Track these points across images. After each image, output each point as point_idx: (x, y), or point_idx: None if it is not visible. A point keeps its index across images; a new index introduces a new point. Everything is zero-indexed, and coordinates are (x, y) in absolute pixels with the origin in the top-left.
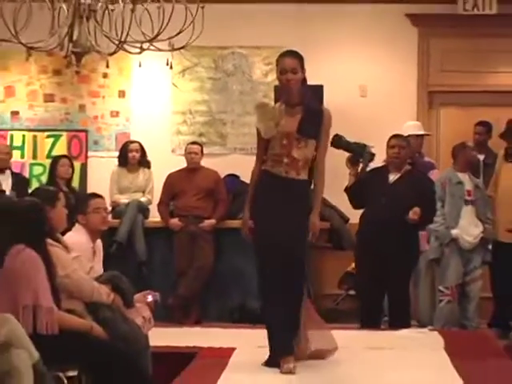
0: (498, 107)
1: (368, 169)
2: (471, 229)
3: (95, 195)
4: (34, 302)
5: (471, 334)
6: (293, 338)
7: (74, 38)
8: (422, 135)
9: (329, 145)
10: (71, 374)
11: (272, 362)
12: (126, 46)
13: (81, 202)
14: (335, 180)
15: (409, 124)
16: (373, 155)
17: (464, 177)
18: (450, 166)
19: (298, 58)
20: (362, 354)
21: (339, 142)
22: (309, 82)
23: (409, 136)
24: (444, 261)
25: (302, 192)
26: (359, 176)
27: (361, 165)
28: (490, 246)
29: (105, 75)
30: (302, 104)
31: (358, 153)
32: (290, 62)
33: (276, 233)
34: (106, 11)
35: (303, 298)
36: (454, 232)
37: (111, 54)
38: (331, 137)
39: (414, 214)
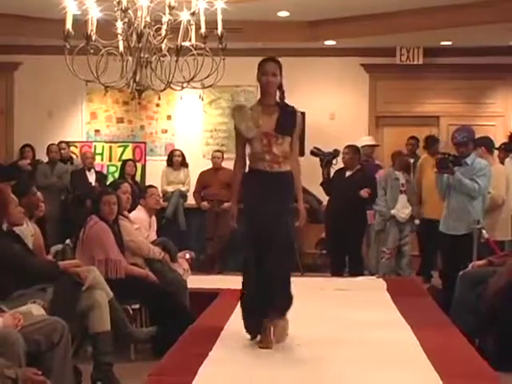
0: (424, 127)
1: (335, 169)
2: (404, 209)
3: (151, 186)
4: (105, 257)
5: (405, 279)
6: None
7: (137, 79)
8: (372, 145)
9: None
10: (134, 307)
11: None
12: (171, 85)
13: (141, 191)
14: (313, 176)
15: (364, 138)
16: (330, 161)
17: (400, 174)
18: (390, 167)
19: (278, 64)
20: (332, 294)
21: (316, 153)
22: None
23: (364, 146)
24: (386, 231)
25: (287, 181)
26: (325, 174)
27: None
28: (416, 221)
29: (157, 105)
30: (277, 105)
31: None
32: (272, 66)
33: (266, 221)
34: (159, 62)
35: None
36: (393, 211)
37: (162, 91)
38: (310, 149)
39: (364, 192)
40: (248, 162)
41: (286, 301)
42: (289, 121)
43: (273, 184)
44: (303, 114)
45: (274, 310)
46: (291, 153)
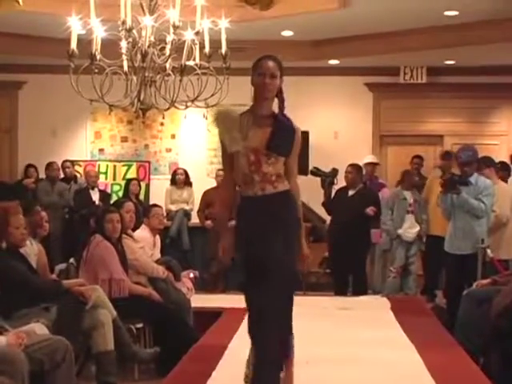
0: (427, 146)
1: (336, 187)
2: (410, 229)
3: (155, 205)
4: (108, 277)
5: (408, 298)
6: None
7: (141, 98)
8: (373, 163)
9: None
10: (138, 326)
11: None
12: (176, 104)
13: (146, 210)
14: (315, 194)
15: (367, 156)
16: (332, 182)
17: (408, 194)
18: (399, 186)
19: (279, 63)
20: (335, 313)
21: (316, 173)
22: None
23: (365, 164)
24: (393, 250)
25: (286, 202)
26: (327, 194)
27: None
28: (423, 240)
29: (161, 124)
30: (273, 116)
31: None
32: (271, 65)
33: (266, 257)
34: (163, 81)
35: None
36: (399, 231)
37: (166, 110)
38: (310, 168)
39: (370, 210)
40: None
41: (284, 349)
42: (285, 138)
43: (268, 210)
44: (306, 133)
45: (267, 361)
46: (289, 176)
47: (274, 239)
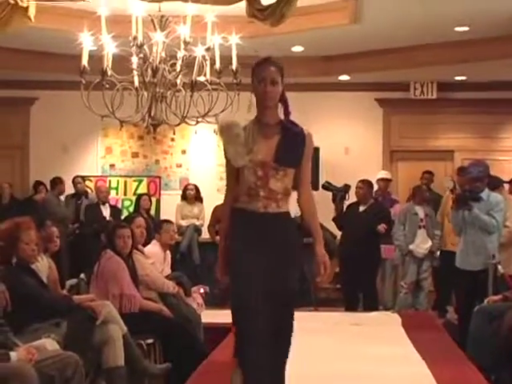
0: (438, 161)
1: (347, 202)
2: (422, 244)
3: (167, 221)
4: (119, 292)
5: (420, 314)
6: None
7: (152, 114)
8: (387, 179)
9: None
10: (148, 341)
11: None
12: (186, 120)
13: (157, 226)
14: (326, 210)
15: (381, 172)
16: (343, 197)
17: (419, 209)
18: (411, 201)
19: (279, 66)
20: (346, 329)
21: (328, 187)
22: None
23: (378, 179)
24: (405, 265)
25: (287, 226)
26: (338, 209)
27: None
28: (436, 255)
29: (172, 139)
30: (280, 124)
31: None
32: (271, 70)
33: (260, 279)
34: (174, 96)
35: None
36: (411, 247)
37: (176, 125)
38: (322, 183)
39: (382, 227)
40: (238, 199)
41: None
42: (294, 146)
43: (266, 229)
44: (316, 149)
45: None
46: (302, 184)
47: (266, 258)
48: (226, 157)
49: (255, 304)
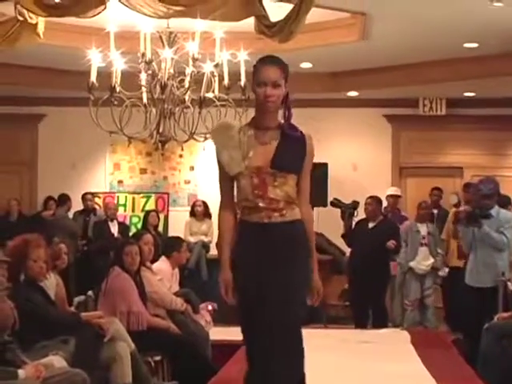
0: (447, 178)
1: (356, 219)
2: (424, 261)
3: (183, 240)
4: (127, 309)
5: (429, 331)
6: None
7: (160, 130)
8: (396, 196)
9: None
10: (156, 358)
11: None
12: (194, 136)
13: (174, 243)
14: (335, 226)
15: (390, 188)
16: (352, 213)
17: (421, 227)
18: (414, 219)
19: (282, 67)
20: (355, 346)
21: (336, 204)
22: (317, 161)
23: (388, 196)
24: (406, 283)
25: (295, 235)
26: (347, 226)
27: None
28: (440, 273)
29: (180, 155)
30: (279, 128)
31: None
32: (273, 71)
33: (268, 293)
34: (182, 113)
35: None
36: (411, 264)
37: (185, 142)
38: (330, 199)
39: (391, 243)
40: (239, 211)
41: None
42: (293, 151)
43: (272, 242)
44: (325, 165)
45: None
46: (300, 194)
47: (274, 271)
48: (218, 163)
49: (267, 318)
